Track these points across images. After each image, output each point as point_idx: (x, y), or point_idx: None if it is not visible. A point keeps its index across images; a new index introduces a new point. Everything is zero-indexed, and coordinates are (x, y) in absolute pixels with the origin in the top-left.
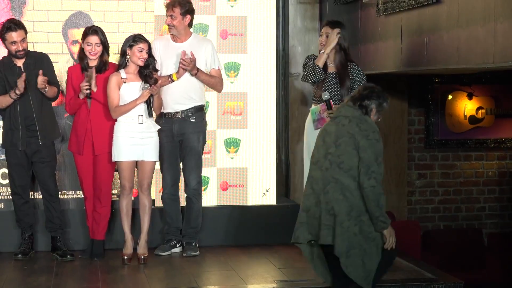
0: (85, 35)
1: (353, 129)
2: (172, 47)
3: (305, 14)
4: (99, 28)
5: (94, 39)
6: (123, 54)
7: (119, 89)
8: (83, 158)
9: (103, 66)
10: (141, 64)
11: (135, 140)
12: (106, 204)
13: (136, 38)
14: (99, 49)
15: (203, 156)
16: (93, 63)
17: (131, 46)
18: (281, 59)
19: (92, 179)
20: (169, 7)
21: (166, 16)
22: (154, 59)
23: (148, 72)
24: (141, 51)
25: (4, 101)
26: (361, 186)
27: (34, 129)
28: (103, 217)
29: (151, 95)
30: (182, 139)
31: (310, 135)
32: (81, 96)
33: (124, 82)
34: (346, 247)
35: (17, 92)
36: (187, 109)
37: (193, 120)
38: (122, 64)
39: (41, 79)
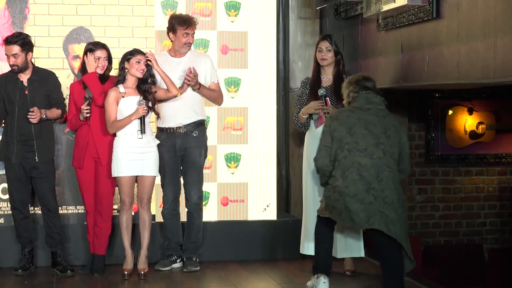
0: (91, 49)
1: (394, 123)
2: (171, 62)
3: (306, 30)
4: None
5: (103, 53)
6: (121, 69)
7: (118, 104)
8: (84, 172)
9: (105, 79)
10: (140, 75)
11: (134, 155)
12: (107, 218)
13: (133, 51)
14: (106, 63)
15: (204, 171)
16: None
17: (128, 59)
18: (281, 74)
19: (93, 193)
20: (188, 25)
21: (186, 34)
22: (152, 71)
23: (147, 87)
24: (138, 62)
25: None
26: (402, 172)
27: (31, 144)
28: (104, 231)
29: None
30: (184, 153)
31: (310, 148)
32: (81, 118)
33: (123, 97)
34: (405, 233)
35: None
36: (189, 124)
37: (195, 135)
38: (121, 79)
39: (32, 116)
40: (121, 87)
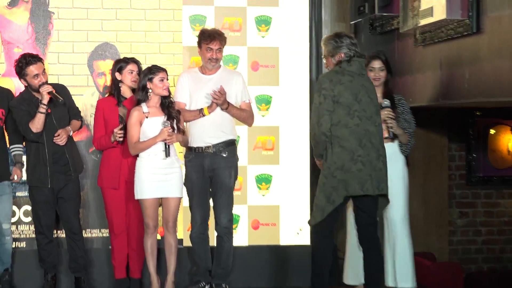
0: (123, 65)
1: (370, 85)
2: (201, 79)
3: None
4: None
5: (135, 67)
6: (143, 88)
7: (141, 124)
8: (116, 193)
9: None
10: (167, 93)
11: (158, 176)
12: (141, 240)
13: (153, 70)
14: (138, 77)
15: (234, 193)
16: (127, 93)
17: (151, 79)
18: (314, 92)
19: (124, 215)
20: (212, 39)
21: (209, 49)
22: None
23: (169, 102)
24: (162, 81)
25: (36, 122)
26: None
27: (64, 163)
28: (138, 254)
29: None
30: (213, 174)
31: None
32: (112, 140)
33: (146, 117)
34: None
35: (44, 102)
36: (218, 143)
37: (225, 155)
38: (143, 98)
39: (59, 140)
40: (144, 107)
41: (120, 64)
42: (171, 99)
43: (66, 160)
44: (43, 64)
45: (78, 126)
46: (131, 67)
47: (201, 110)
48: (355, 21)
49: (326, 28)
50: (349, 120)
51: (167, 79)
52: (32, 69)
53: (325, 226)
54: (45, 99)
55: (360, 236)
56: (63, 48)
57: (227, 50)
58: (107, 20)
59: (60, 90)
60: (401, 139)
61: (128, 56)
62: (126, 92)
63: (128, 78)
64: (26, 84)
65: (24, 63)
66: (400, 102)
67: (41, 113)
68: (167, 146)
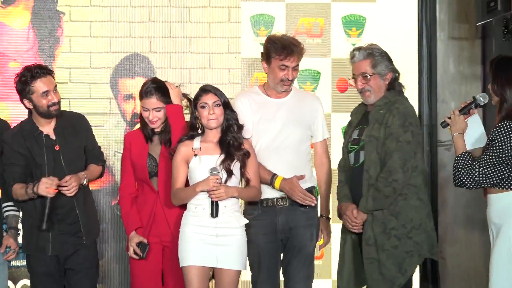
0: (140, 95)
1: None
2: (267, 104)
3: (461, 55)
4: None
5: (151, 102)
6: (195, 117)
7: (188, 164)
8: (149, 262)
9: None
10: (214, 125)
11: (208, 238)
12: None
13: (198, 92)
14: (160, 115)
15: (314, 262)
16: (157, 129)
17: (195, 106)
18: (425, 120)
19: None
20: (289, 54)
21: (284, 67)
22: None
23: (231, 138)
24: (204, 107)
25: (19, 194)
26: None
27: (72, 222)
28: None
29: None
30: (289, 236)
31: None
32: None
33: (195, 155)
34: None
35: (35, 190)
36: None
37: (305, 209)
38: (194, 133)
39: (67, 189)
40: (196, 142)
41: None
42: (240, 136)
43: (75, 218)
44: (54, 79)
45: (98, 174)
46: (147, 102)
47: (274, 176)
48: (483, 22)
49: (442, 31)
50: (424, 166)
51: (218, 104)
52: (41, 85)
53: None
54: (45, 193)
55: None
56: (76, 61)
57: (304, 63)
58: (137, 23)
59: (76, 122)
60: None
61: (163, 73)
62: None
63: (144, 114)
64: (31, 107)
65: (29, 77)
66: None
67: (28, 196)
68: (214, 203)
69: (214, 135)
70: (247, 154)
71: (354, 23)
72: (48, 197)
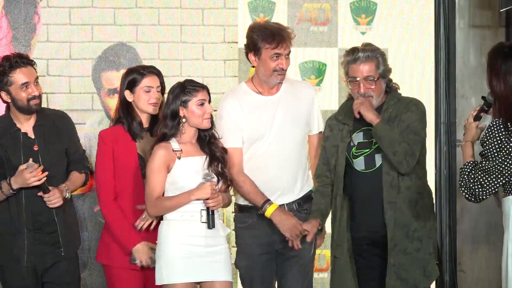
0: (138, 78)
1: None
2: (261, 103)
3: (482, 45)
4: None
5: (154, 81)
6: (173, 116)
7: (169, 169)
8: (131, 274)
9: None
10: (208, 126)
11: (196, 248)
12: None
13: (189, 87)
14: (160, 96)
15: (314, 274)
16: (145, 120)
17: (185, 103)
18: (442, 117)
19: None
20: (280, 41)
21: (276, 56)
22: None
23: (210, 137)
24: (202, 105)
25: None
26: None
27: (51, 231)
28: None
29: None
30: (285, 245)
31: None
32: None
33: (178, 158)
34: None
35: (14, 186)
36: (294, 201)
37: (305, 215)
38: (173, 132)
39: (51, 203)
40: (174, 143)
41: (131, 77)
42: (214, 132)
43: (54, 227)
44: (36, 70)
45: (81, 183)
46: (149, 81)
47: (265, 203)
48: (507, 8)
49: (462, 18)
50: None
51: (209, 102)
52: (20, 76)
53: None
54: (33, 181)
55: None
56: (54, 51)
57: (307, 54)
58: (122, 9)
59: (59, 121)
60: None
61: (149, 64)
62: (142, 119)
63: (144, 99)
64: (9, 100)
65: (7, 66)
66: None
67: (5, 195)
68: (210, 212)
69: (191, 136)
70: (225, 150)
71: (363, 10)
72: (22, 192)
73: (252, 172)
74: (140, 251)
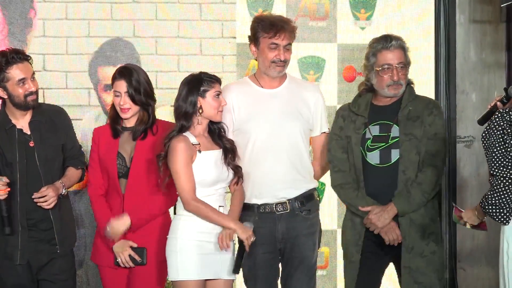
0: (113, 78)
1: None
2: (259, 95)
3: (483, 41)
4: (137, 67)
5: (121, 85)
6: (194, 106)
7: (192, 163)
8: (119, 273)
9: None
10: (221, 118)
11: (207, 245)
12: None
13: (207, 78)
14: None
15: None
16: (129, 123)
17: (204, 92)
18: (444, 114)
19: None
20: (278, 31)
21: (274, 46)
22: None
23: (219, 129)
24: (218, 97)
25: None
26: None
27: (46, 228)
28: None
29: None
30: (289, 245)
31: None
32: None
33: (199, 151)
34: None
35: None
36: (296, 197)
37: (307, 215)
38: (186, 124)
39: (45, 203)
40: (191, 136)
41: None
42: (223, 124)
43: (49, 224)
44: (32, 66)
45: (77, 179)
46: (119, 85)
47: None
48: (508, 3)
49: (462, 13)
50: None
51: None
52: (17, 72)
53: None
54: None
55: None
56: (51, 47)
57: (307, 49)
58: (119, 4)
59: (56, 117)
60: None
61: (146, 59)
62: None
63: (115, 100)
64: (5, 96)
65: (4, 62)
66: None
67: None
68: (240, 259)
69: (203, 130)
70: (233, 142)
71: (363, 4)
72: (17, 189)
73: (250, 165)
74: (119, 248)
